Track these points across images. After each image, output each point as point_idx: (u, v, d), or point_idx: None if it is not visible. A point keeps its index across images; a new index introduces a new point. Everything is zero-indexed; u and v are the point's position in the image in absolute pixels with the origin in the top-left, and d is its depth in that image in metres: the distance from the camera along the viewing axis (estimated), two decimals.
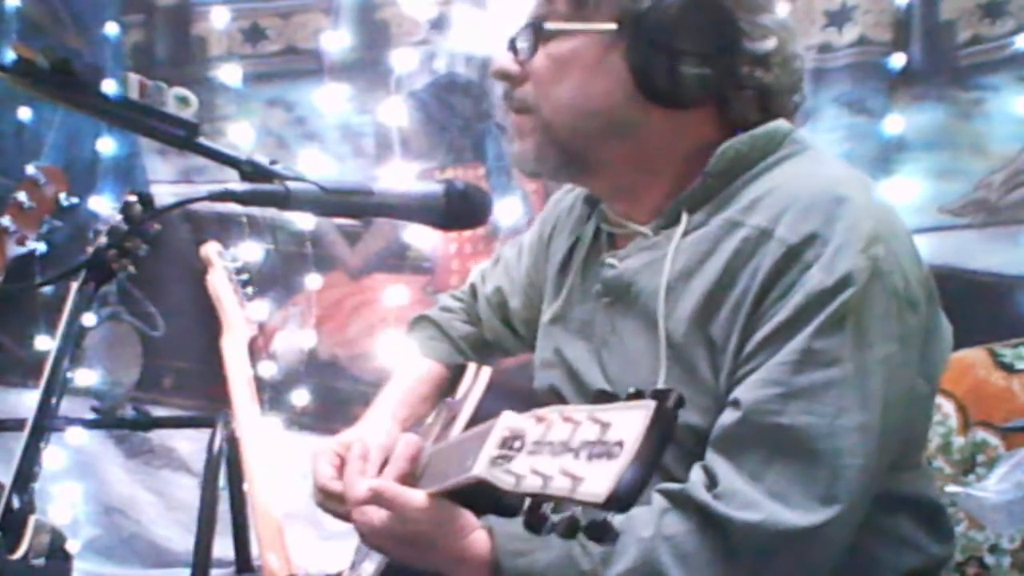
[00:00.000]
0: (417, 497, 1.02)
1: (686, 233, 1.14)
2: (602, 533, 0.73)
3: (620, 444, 0.69)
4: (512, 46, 1.19)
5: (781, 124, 1.17)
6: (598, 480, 0.68)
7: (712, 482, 1.04)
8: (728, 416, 1.06)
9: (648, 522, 1.03)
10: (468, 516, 1.03)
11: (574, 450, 0.72)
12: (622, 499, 0.67)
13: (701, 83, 1.10)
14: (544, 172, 1.26)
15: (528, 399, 1.27)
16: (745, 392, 1.05)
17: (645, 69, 1.10)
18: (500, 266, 1.53)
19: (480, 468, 0.87)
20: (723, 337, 1.09)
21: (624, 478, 0.67)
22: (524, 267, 1.47)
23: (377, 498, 1.05)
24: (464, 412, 1.20)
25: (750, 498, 1.01)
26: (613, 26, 1.11)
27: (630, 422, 0.69)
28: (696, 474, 1.06)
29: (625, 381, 1.18)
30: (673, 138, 1.16)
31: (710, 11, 1.09)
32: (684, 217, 1.15)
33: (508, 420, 0.87)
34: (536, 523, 0.78)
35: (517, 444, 0.81)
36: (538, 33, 1.15)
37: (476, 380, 1.25)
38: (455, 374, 1.41)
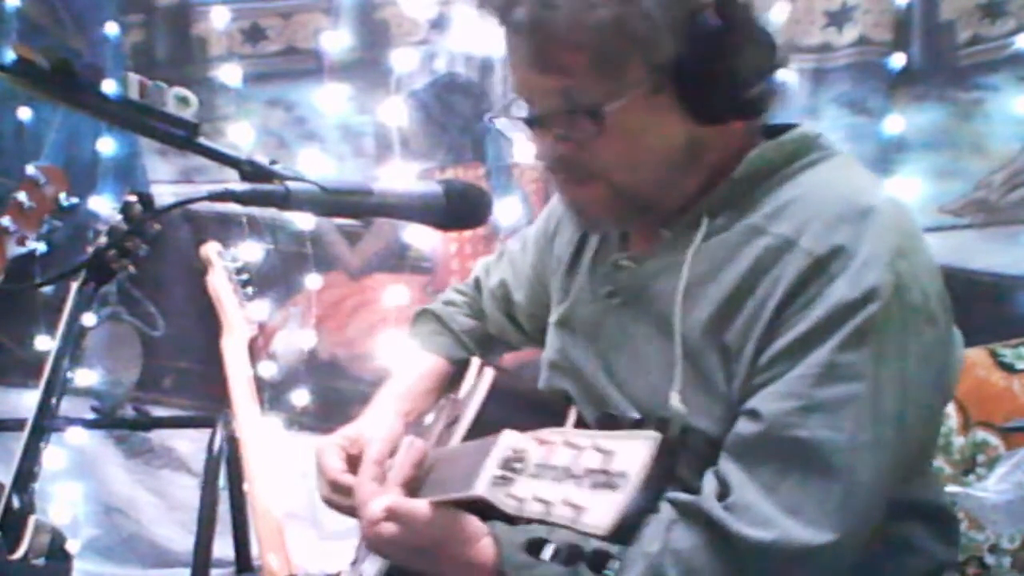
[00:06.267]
0: (425, 509, 1.01)
1: (706, 237, 1.13)
2: (603, 564, 0.73)
3: (623, 475, 0.69)
4: (538, 123, 1.13)
5: (809, 129, 1.16)
6: (601, 512, 0.69)
7: (725, 492, 1.03)
8: (746, 426, 1.05)
9: (655, 535, 1.02)
10: (475, 523, 1.01)
11: (576, 477, 0.73)
12: (624, 530, 0.68)
13: (756, 89, 1.09)
14: (617, 227, 1.24)
15: (532, 400, 1.27)
16: (764, 403, 1.04)
17: (701, 102, 1.08)
18: (505, 260, 1.52)
19: (482, 488, 0.86)
20: (738, 345, 1.07)
21: (627, 510, 0.68)
22: (529, 261, 1.46)
23: (390, 515, 1.03)
24: (467, 415, 1.19)
25: (764, 513, 1.00)
26: (653, 79, 1.07)
27: (633, 453, 0.70)
28: (709, 484, 1.05)
29: (634, 385, 1.18)
30: (716, 145, 1.13)
31: (737, 25, 1.07)
32: (705, 220, 1.14)
33: (510, 439, 0.86)
34: (536, 547, 0.79)
35: (518, 465, 0.81)
36: (597, 118, 1.08)
37: (479, 380, 1.23)
38: (458, 369, 1.41)
